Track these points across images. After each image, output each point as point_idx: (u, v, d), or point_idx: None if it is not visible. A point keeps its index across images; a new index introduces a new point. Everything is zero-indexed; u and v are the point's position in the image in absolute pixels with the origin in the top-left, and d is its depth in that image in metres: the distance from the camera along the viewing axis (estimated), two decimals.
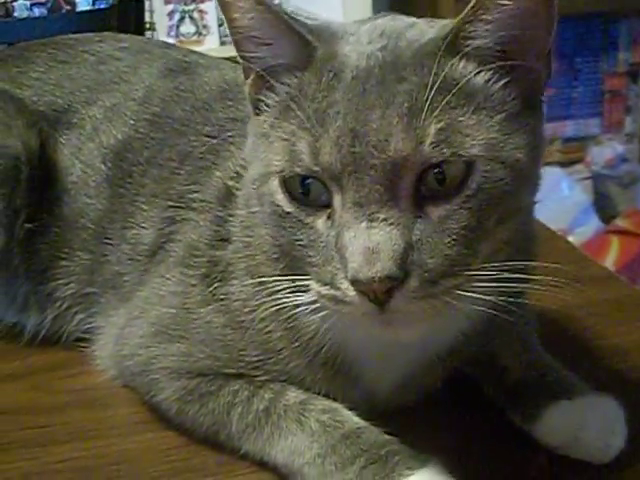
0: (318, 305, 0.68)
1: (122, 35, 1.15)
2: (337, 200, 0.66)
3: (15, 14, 2.58)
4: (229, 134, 0.90)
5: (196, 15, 3.06)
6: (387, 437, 0.74)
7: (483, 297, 0.66)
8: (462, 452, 0.76)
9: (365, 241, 0.63)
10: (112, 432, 0.84)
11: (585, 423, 0.77)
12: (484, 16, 0.66)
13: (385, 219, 0.63)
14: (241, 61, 0.72)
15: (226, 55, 0.81)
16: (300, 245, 0.68)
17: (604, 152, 3.20)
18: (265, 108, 0.72)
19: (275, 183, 0.69)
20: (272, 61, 0.70)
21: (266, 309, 0.75)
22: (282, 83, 0.70)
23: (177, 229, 0.88)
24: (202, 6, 3.05)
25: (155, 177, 0.92)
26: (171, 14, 3.04)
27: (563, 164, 3.11)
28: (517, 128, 0.67)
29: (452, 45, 0.66)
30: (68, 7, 2.52)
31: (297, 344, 0.77)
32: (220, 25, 3.00)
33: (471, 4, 0.66)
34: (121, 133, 0.97)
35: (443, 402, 0.82)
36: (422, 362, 0.78)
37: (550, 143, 3.05)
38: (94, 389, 0.90)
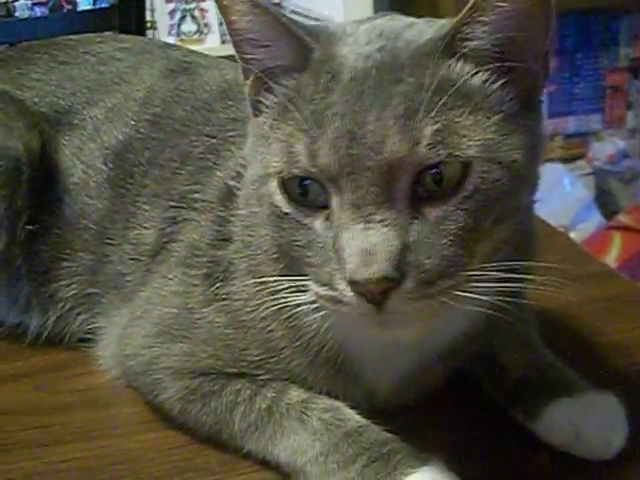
0: (318, 305, 0.69)
1: (123, 36, 1.15)
2: (334, 201, 0.66)
3: (16, 14, 2.59)
4: (230, 134, 0.90)
5: (197, 14, 3.06)
6: (389, 436, 0.74)
7: (480, 297, 0.66)
8: (463, 450, 0.76)
9: (362, 242, 0.63)
10: (115, 432, 0.85)
11: (586, 421, 0.77)
12: (481, 18, 0.66)
13: (382, 220, 0.64)
14: (240, 63, 0.73)
15: (227, 54, 0.81)
16: (298, 246, 0.68)
17: (606, 148, 3.20)
18: (264, 109, 0.72)
19: (274, 184, 0.69)
20: (270, 63, 0.71)
21: (267, 308, 0.75)
22: (280, 85, 0.70)
23: (179, 229, 0.88)
24: (203, 5, 3.05)
25: (156, 177, 0.93)
26: (172, 13, 3.04)
27: (565, 160, 3.11)
28: (515, 128, 0.67)
29: (449, 46, 0.66)
30: (69, 7, 2.53)
31: (298, 343, 0.77)
32: (221, 24, 2.99)
33: (468, 6, 0.66)
34: (122, 134, 0.97)
35: (444, 401, 0.83)
36: (422, 361, 0.78)
37: (551, 139, 3.05)
38: (97, 389, 0.90)
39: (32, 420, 0.86)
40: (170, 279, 0.85)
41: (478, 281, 0.66)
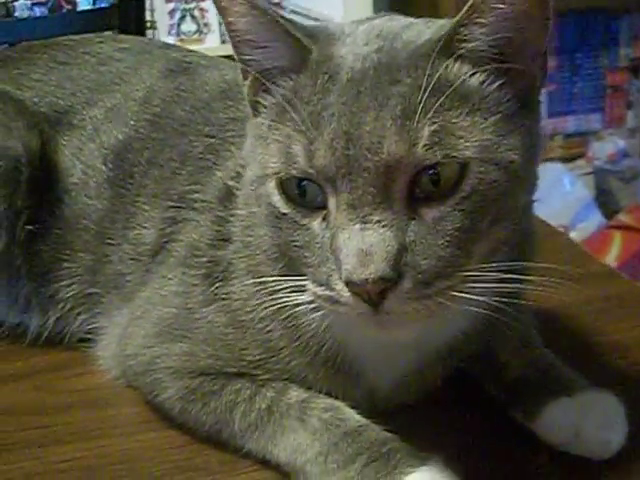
0: (317, 304, 0.69)
1: (122, 36, 1.15)
2: (332, 202, 0.66)
3: (16, 14, 2.59)
4: (229, 134, 0.91)
5: (197, 13, 3.06)
6: (388, 435, 0.74)
7: (478, 298, 0.66)
8: (463, 450, 0.76)
9: (359, 243, 0.63)
10: (115, 432, 0.85)
11: (585, 420, 0.77)
12: (479, 19, 0.66)
13: (379, 221, 0.64)
14: (239, 63, 0.73)
15: (227, 53, 0.81)
16: (296, 246, 0.69)
17: (606, 147, 3.20)
18: (262, 110, 0.72)
19: (272, 185, 0.69)
20: (268, 64, 0.71)
21: (266, 308, 0.75)
22: (278, 86, 0.70)
23: (178, 229, 0.88)
24: (203, 4, 3.05)
25: (156, 177, 0.93)
26: (172, 13, 3.05)
27: (565, 160, 3.10)
28: (512, 129, 0.67)
29: (447, 47, 0.67)
30: (69, 7, 2.53)
31: (298, 343, 0.77)
32: (221, 24, 2.99)
33: (466, 7, 0.66)
34: (122, 134, 0.97)
35: (444, 400, 0.83)
36: (421, 361, 0.78)
37: (551, 139, 3.05)
38: (97, 389, 0.90)
39: (32, 420, 0.86)
40: (170, 279, 0.86)
41: (476, 282, 0.66)
